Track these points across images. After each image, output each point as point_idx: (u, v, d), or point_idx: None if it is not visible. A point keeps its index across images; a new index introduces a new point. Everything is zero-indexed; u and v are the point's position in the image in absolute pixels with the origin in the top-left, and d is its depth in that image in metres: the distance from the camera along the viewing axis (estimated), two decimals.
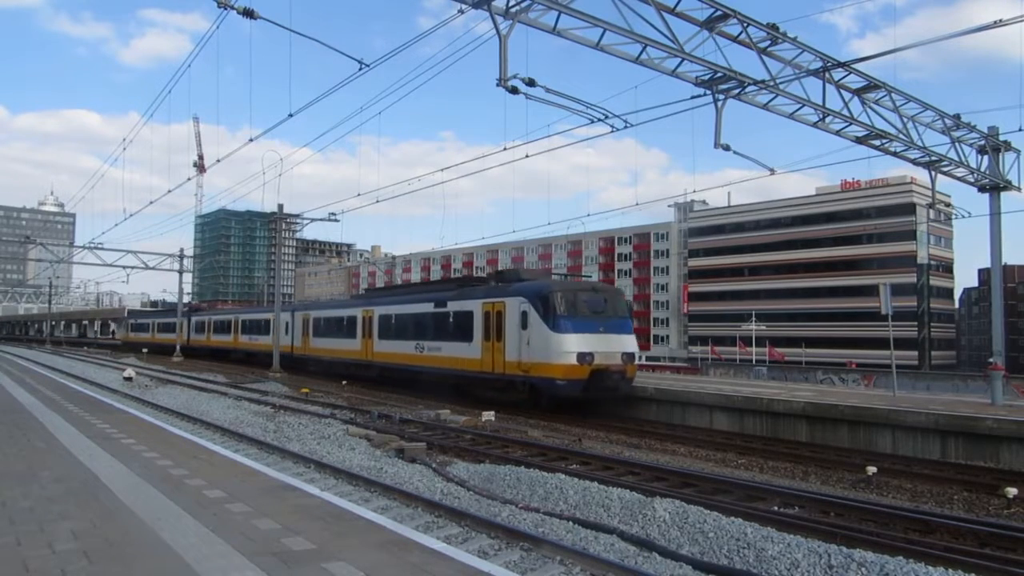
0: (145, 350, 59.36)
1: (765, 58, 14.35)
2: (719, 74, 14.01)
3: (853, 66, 15.67)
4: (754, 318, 73.35)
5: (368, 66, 13.54)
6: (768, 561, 6.51)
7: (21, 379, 24.67)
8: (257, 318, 42.59)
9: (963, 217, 20.60)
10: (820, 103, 15.31)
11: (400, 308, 26.40)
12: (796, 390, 19.52)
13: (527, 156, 17.78)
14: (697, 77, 14.24)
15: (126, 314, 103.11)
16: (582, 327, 18.52)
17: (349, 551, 5.05)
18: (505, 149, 17.39)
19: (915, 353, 69.73)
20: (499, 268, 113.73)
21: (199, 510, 6.16)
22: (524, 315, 19.16)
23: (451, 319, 22.61)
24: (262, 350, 38.49)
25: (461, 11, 11.86)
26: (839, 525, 7.91)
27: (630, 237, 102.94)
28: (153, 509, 6.20)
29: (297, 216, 37.55)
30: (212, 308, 69.27)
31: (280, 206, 36.22)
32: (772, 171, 17.08)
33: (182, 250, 53.74)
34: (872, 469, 11.09)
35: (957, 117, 18.44)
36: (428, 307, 24.17)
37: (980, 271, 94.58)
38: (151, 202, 47.07)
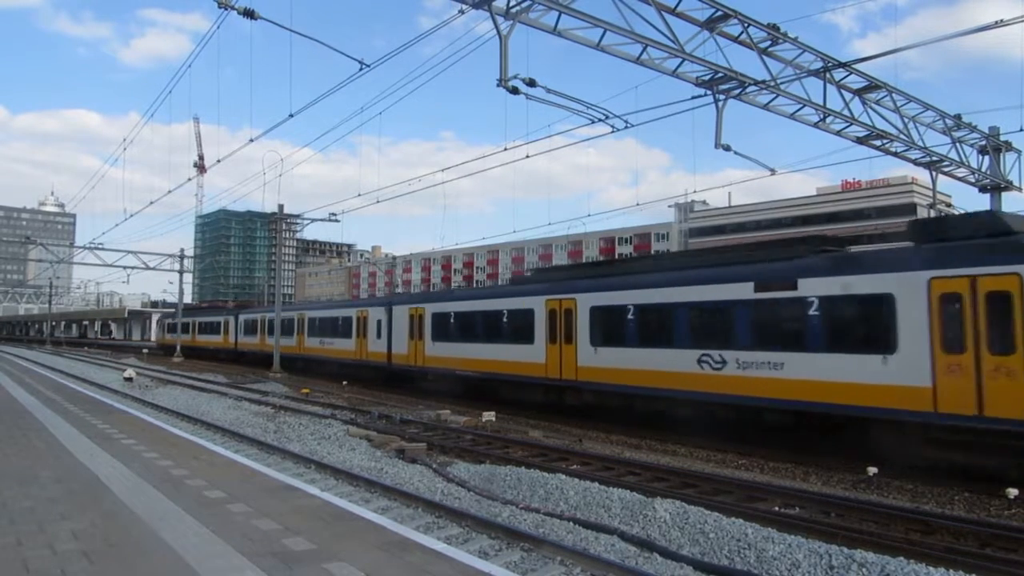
0: (146, 351, 59.42)
1: (766, 58, 14.37)
2: (720, 74, 14.02)
3: (854, 66, 15.69)
4: None
5: (369, 66, 13.56)
6: (769, 561, 6.51)
7: (21, 379, 24.68)
8: (333, 315, 32.05)
9: None
10: (821, 103, 15.33)
11: (647, 295, 15.80)
12: None
13: (527, 156, 17.81)
14: (698, 77, 14.25)
15: (128, 312, 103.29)
16: None
17: (349, 551, 5.05)
18: (506, 149, 17.41)
19: None
20: (499, 269, 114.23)
21: (200, 510, 6.16)
22: None
23: (817, 311, 12.54)
24: (341, 359, 29.91)
25: (462, 11, 11.87)
26: (840, 525, 7.91)
27: (630, 237, 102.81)
28: (154, 509, 6.20)
29: (297, 216, 37.57)
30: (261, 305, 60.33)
31: (280, 206, 36.27)
32: (773, 171, 17.12)
33: (182, 250, 53.83)
34: (873, 469, 11.07)
35: (958, 117, 18.46)
36: (738, 291, 13.77)
37: None
38: (151, 202, 47.09)
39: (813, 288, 12.70)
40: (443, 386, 22.73)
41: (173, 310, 60.34)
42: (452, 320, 22.68)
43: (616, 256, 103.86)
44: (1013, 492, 9.64)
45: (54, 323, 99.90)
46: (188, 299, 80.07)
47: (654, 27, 12.72)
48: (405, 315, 25.10)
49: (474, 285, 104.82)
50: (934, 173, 19.56)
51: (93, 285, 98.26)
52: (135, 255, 48.79)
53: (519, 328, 19.41)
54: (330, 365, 31.43)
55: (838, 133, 16.84)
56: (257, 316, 42.36)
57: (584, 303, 17.41)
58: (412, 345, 24.31)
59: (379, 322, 26.94)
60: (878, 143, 17.53)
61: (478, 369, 20.96)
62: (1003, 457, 10.26)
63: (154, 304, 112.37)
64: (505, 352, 19.79)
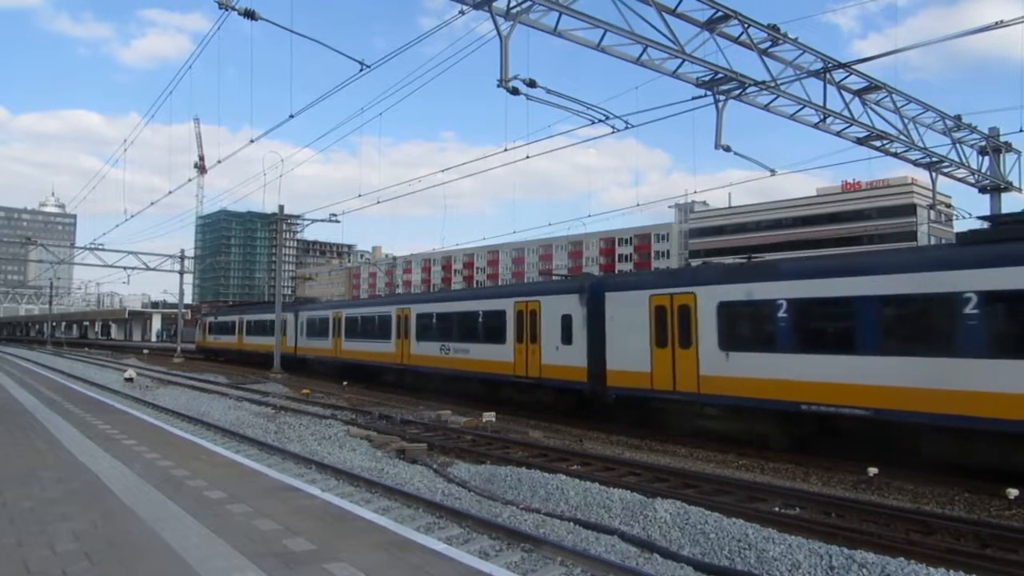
0: (146, 351, 59.33)
1: (766, 59, 14.38)
2: (720, 75, 14.03)
3: (854, 67, 15.71)
4: None
5: (369, 67, 13.58)
6: (769, 562, 6.51)
7: (22, 380, 24.69)
8: (466, 310, 22.16)
9: (964, 218, 20.64)
10: (821, 104, 15.34)
11: None
12: None
13: (528, 157, 17.78)
14: (698, 78, 14.26)
15: (128, 313, 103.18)
16: None
17: (350, 552, 5.05)
18: (506, 150, 17.36)
19: None
20: (499, 269, 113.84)
21: (200, 511, 6.16)
22: None
23: None
24: (484, 373, 20.28)
25: (462, 12, 11.87)
26: (840, 526, 7.91)
27: (631, 238, 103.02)
28: (154, 510, 6.21)
29: (298, 217, 37.56)
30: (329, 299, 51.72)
31: (281, 207, 36.26)
32: (773, 172, 17.12)
33: (183, 251, 53.83)
34: (873, 470, 11.08)
35: (958, 118, 18.48)
36: None
37: None
38: (152, 203, 46.63)
39: None
40: (756, 425, 13.39)
41: (216, 307, 55.30)
42: (794, 314, 12.60)
43: (616, 256, 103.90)
44: (1013, 492, 9.65)
45: (55, 324, 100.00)
46: (188, 299, 79.99)
47: (654, 28, 12.74)
48: (641, 308, 15.28)
49: (475, 286, 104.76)
50: (934, 174, 19.57)
51: (93, 286, 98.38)
52: (135, 256, 48.76)
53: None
54: (463, 382, 21.55)
55: (838, 134, 16.85)
56: (328, 313, 31.97)
57: None
58: (664, 357, 14.75)
59: (566, 318, 17.39)
60: (878, 144, 17.54)
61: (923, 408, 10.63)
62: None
63: (154, 304, 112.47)
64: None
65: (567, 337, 17.40)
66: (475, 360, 20.67)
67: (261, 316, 40.92)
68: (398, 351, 25.02)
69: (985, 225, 13.06)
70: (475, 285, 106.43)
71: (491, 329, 20.22)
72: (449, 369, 22.03)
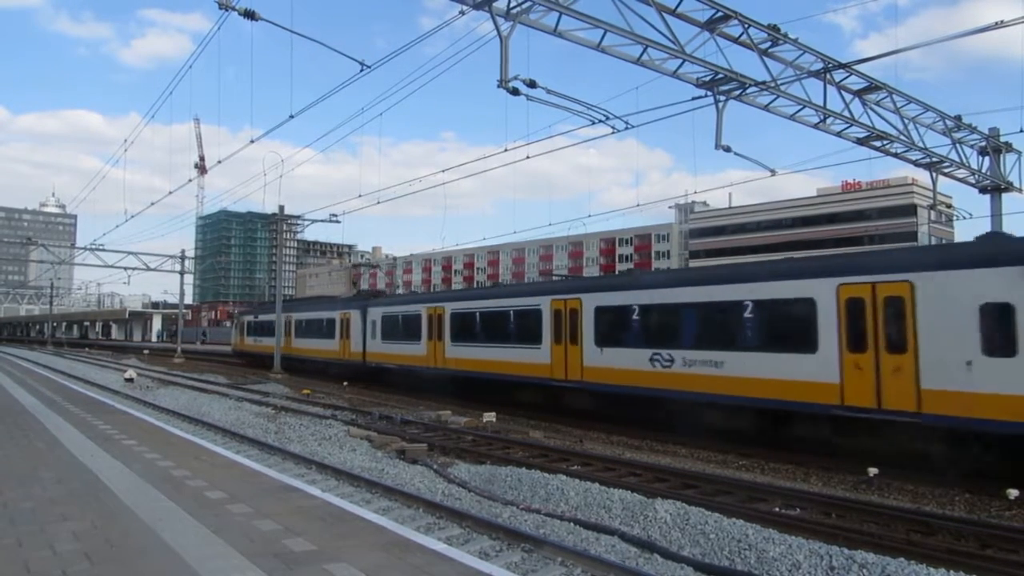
0: (147, 352, 59.16)
1: (766, 59, 14.37)
2: (720, 75, 14.03)
3: (854, 67, 15.70)
4: None
5: (369, 67, 13.58)
6: (769, 562, 6.51)
7: (22, 380, 24.69)
8: (711, 300, 14.24)
9: (964, 218, 20.68)
10: (821, 104, 15.33)
11: None
12: None
13: (528, 157, 17.74)
14: (698, 78, 14.26)
15: (128, 313, 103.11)
16: None
17: (350, 552, 5.05)
18: (506, 150, 17.33)
19: None
20: (500, 270, 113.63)
21: (200, 511, 6.16)
22: None
23: None
24: (785, 404, 12.52)
25: (462, 12, 11.87)
26: (841, 526, 7.91)
27: (631, 238, 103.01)
28: (154, 510, 6.20)
29: (298, 217, 37.54)
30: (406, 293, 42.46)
31: (281, 207, 36.23)
32: (773, 172, 17.10)
33: (183, 251, 53.83)
34: (873, 470, 11.07)
35: (958, 118, 18.48)
36: None
37: None
38: (152, 203, 46.76)
39: None
40: None
41: (256, 305, 50.09)
42: None
43: (617, 257, 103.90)
44: (1014, 493, 9.64)
45: (55, 324, 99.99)
46: (189, 300, 79.96)
47: (654, 28, 12.73)
48: None
49: (475, 286, 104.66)
50: (934, 174, 19.57)
51: (94, 286, 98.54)
52: (136, 256, 48.75)
53: None
54: (700, 410, 14.18)
55: (838, 134, 16.85)
56: (419, 309, 24.13)
57: None
58: None
59: (994, 311, 10.17)
60: (878, 144, 17.54)
61: None
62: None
63: (155, 305, 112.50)
64: None
65: (1000, 343, 9.97)
66: (737, 379, 13.34)
67: (315, 314, 32.75)
68: (557, 360, 17.59)
69: None
70: (475, 286, 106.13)
71: (777, 326, 13.05)
72: (672, 391, 14.63)
